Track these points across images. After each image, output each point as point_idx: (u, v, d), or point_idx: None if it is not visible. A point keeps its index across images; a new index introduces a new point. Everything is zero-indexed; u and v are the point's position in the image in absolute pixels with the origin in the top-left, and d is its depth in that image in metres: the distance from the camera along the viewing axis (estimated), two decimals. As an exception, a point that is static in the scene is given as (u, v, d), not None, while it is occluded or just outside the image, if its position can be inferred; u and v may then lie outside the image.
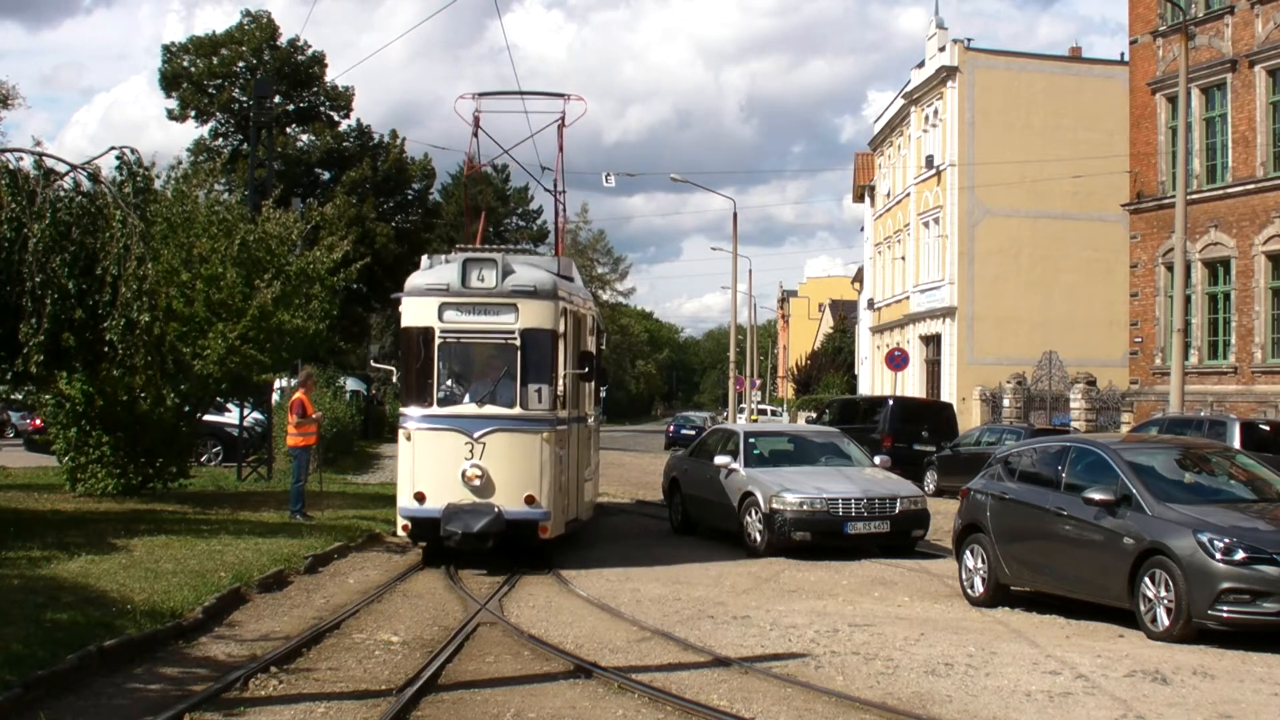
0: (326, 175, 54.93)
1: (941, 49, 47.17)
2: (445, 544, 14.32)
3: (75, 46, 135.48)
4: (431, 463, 14.56)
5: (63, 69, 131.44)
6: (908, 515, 17.00)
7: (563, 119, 18.53)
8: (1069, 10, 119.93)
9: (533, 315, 14.79)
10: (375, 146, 56.21)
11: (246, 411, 27.60)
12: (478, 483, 14.40)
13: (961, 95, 45.79)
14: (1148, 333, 32.74)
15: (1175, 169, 30.19)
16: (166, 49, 53.54)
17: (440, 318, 14.82)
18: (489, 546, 14.38)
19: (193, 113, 53.14)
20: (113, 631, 9.06)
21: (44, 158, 15.08)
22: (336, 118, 55.75)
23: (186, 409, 20.94)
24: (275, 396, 28.59)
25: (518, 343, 14.76)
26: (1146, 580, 11.10)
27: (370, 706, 7.90)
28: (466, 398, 14.96)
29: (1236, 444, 19.26)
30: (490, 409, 14.69)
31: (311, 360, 32.68)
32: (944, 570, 15.33)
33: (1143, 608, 11.14)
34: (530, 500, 14.53)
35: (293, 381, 33.90)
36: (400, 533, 15.13)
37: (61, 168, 15.25)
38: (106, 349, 14.38)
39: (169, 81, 52.94)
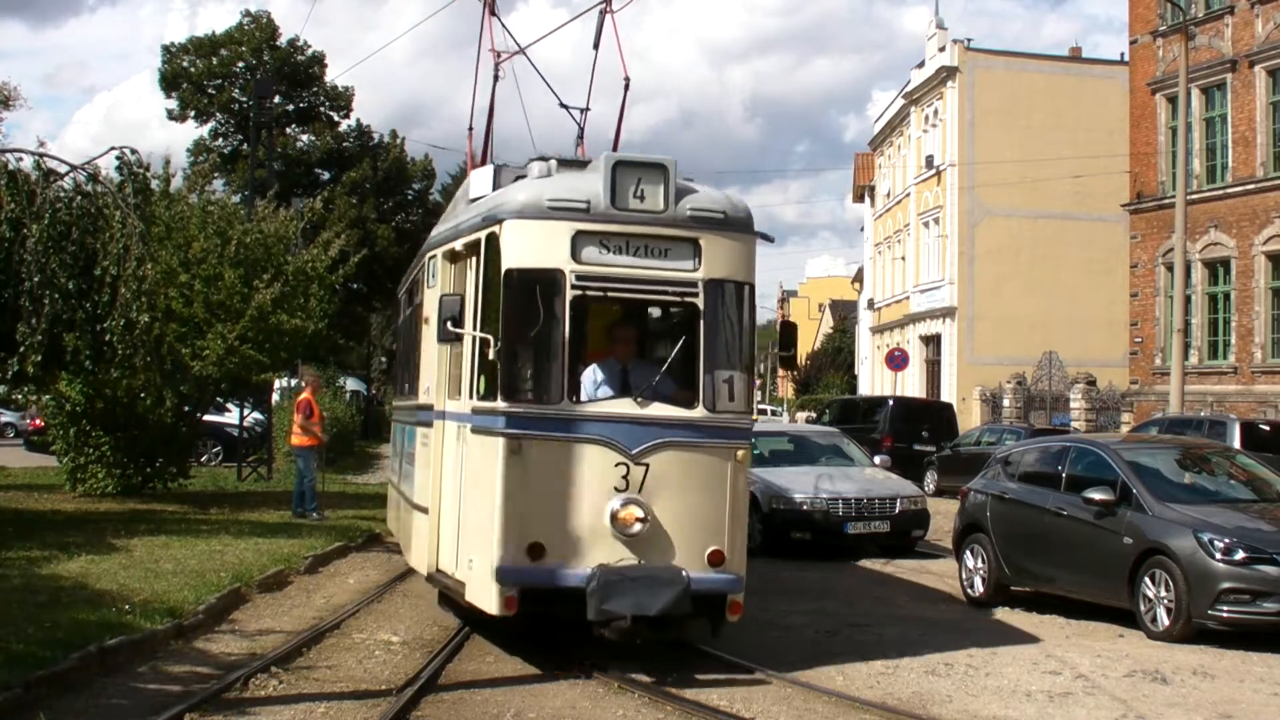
0: (326, 175, 54.90)
1: (941, 49, 47.19)
2: (596, 631, 8.98)
3: (78, 45, 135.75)
4: (556, 495, 8.97)
5: (65, 68, 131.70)
6: (908, 515, 16.99)
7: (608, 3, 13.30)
8: (1074, 9, 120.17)
9: (722, 258, 9.38)
10: (375, 147, 56.19)
11: (246, 411, 27.59)
12: (637, 529, 8.87)
13: (961, 95, 45.81)
14: (1148, 333, 32.75)
15: (1175, 169, 30.19)
16: (166, 49, 53.50)
17: (575, 256, 9.08)
18: (671, 638, 9.56)
19: (192, 113, 53.10)
20: (113, 631, 9.05)
21: (44, 158, 15.08)
22: (336, 118, 55.71)
23: (186, 409, 20.95)
24: (275, 397, 28.60)
25: (699, 302, 9.28)
26: (1146, 580, 11.10)
27: (370, 706, 7.90)
28: (605, 389, 9.54)
29: (1236, 444, 19.26)
30: (658, 409, 9.16)
31: (312, 360, 32.71)
32: (944, 570, 15.33)
33: (1143, 608, 11.14)
34: (716, 559, 9.12)
35: (293, 381, 34.04)
36: (483, 604, 9.16)
37: (61, 168, 15.24)
38: (106, 350, 14.37)
39: (169, 82, 52.89)
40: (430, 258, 11.37)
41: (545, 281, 9.14)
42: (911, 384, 48.13)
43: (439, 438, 10.49)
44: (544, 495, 8.97)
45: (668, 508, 9.02)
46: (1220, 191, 29.89)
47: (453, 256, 10.63)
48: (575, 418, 9.07)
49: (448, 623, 10.95)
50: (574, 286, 9.11)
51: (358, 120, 57.03)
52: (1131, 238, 33.75)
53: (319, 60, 54.37)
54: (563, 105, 12.99)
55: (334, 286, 22.28)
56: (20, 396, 22.50)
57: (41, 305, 13.82)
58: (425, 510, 10.76)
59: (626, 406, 9.15)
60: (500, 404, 9.03)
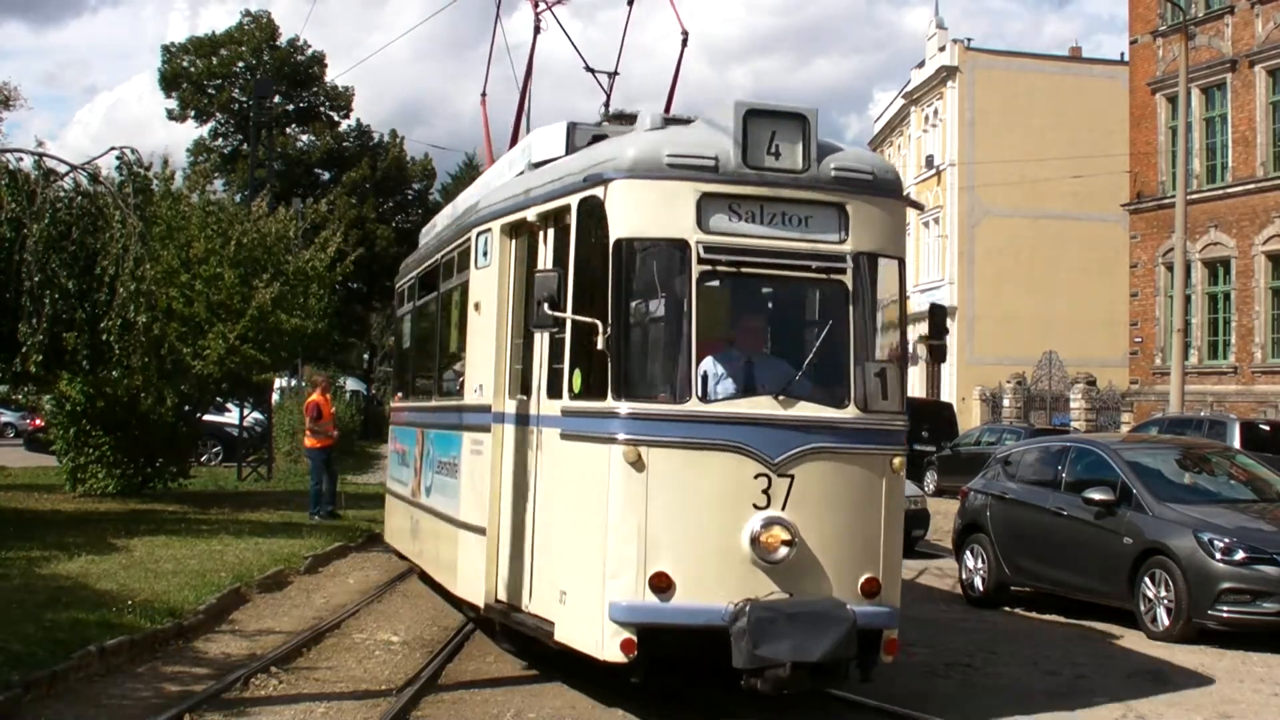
0: (326, 175, 54.94)
1: (941, 49, 47.20)
2: (746, 682, 7.34)
3: (78, 45, 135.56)
4: (684, 514, 7.47)
5: (66, 67, 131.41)
6: (908, 515, 16.88)
7: None
8: (1075, 8, 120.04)
9: (872, 227, 7.97)
10: (375, 146, 56.26)
11: (246, 411, 27.60)
12: (782, 554, 7.36)
13: (961, 95, 45.82)
14: (1148, 333, 32.75)
15: (1175, 169, 30.20)
16: (166, 49, 53.59)
17: (701, 223, 7.59)
18: (833, 687, 8.16)
19: (192, 113, 53.17)
20: (113, 631, 9.04)
21: (44, 158, 15.09)
22: (336, 118, 55.79)
23: (186, 409, 20.95)
24: (275, 397, 28.61)
25: (848, 280, 7.82)
26: (1146, 580, 11.10)
27: (370, 706, 7.90)
28: (726, 385, 7.88)
29: (1236, 444, 19.26)
30: (804, 410, 7.67)
31: (312, 360, 32.73)
32: (944, 570, 15.33)
33: (1143, 608, 11.14)
34: (870, 589, 7.70)
35: (293, 381, 34.07)
36: (586, 647, 7.67)
37: (61, 168, 15.27)
38: (104, 349, 14.37)
39: (169, 82, 52.96)
40: (481, 233, 9.63)
41: (666, 254, 7.70)
42: (911, 384, 48.13)
43: (498, 445, 8.96)
44: (669, 514, 7.40)
45: (815, 528, 7.49)
46: (1220, 191, 29.90)
47: (516, 230, 9.03)
48: (706, 419, 7.49)
49: (448, 622, 10.95)
50: (702, 260, 7.54)
51: (358, 120, 57.17)
52: (1131, 238, 33.75)
53: (319, 60, 54.46)
54: (589, 69, 11.91)
55: (334, 286, 22.28)
56: (22, 396, 22.52)
57: (42, 305, 13.83)
58: (478, 530, 9.13)
59: (766, 406, 7.58)
60: (614, 403, 7.47)
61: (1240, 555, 10.58)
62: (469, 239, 10.01)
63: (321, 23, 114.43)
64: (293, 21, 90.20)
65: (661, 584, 7.35)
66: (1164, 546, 10.97)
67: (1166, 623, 10.85)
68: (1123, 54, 39.10)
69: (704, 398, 7.61)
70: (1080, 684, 9.10)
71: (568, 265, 7.95)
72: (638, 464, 7.39)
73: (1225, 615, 10.55)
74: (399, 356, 15.57)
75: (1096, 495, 11.71)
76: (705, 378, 7.70)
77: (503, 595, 8.84)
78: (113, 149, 16.01)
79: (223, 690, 8.06)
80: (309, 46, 54.38)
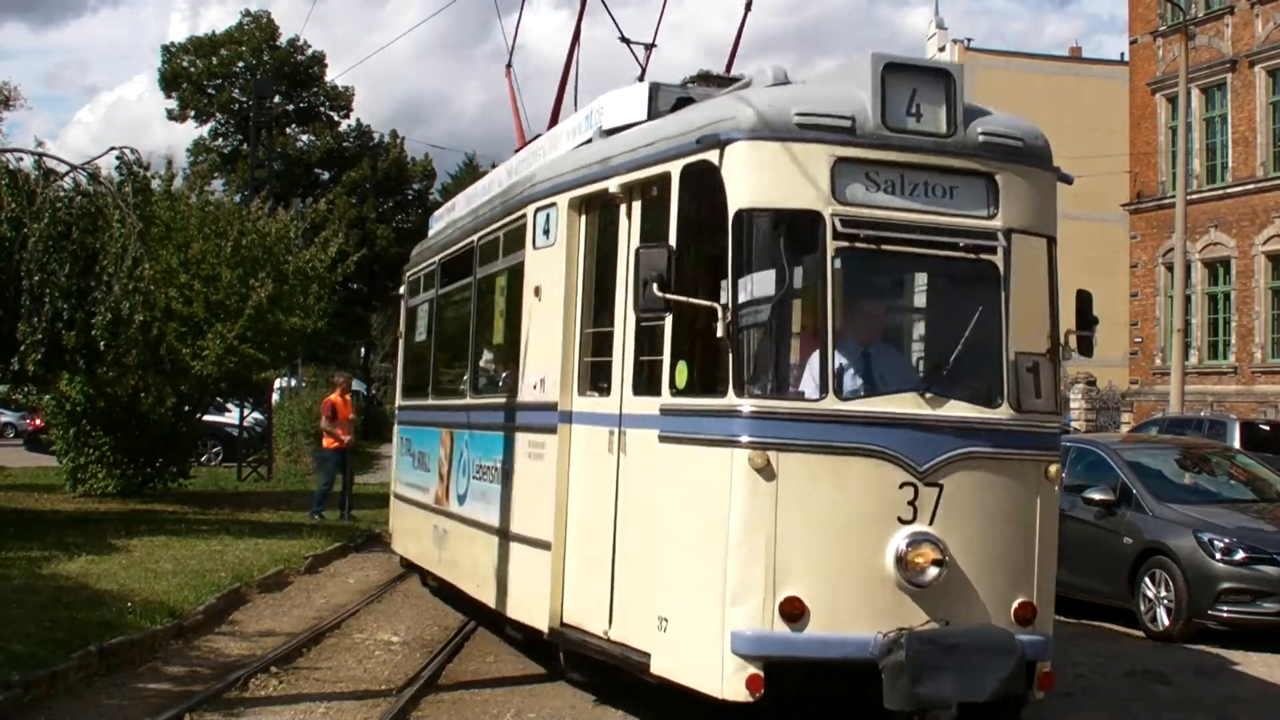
0: (326, 175, 54.94)
1: (941, 49, 47.20)
2: None
3: (79, 45, 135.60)
4: (819, 529, 6.49)
5: (66, 67, 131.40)
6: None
7: None
8: (1076, 8, 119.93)
9: (1023, 201, 7.10)
10: (375, 146, 56.25)
11: (246, 411, 27.61)
12: (932, 575, 6.45)
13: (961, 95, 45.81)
14: (1148, 333, 32.77)
15: (1175, 169, 30.22)
16: (166, 49, 53.58)
17: (837, 193, 6.62)
18: None
19: (192, 113, 53.17)
20: (113, 631, 9.04)
21: (44, 158, 15.10)
22: (336, 118, 55.78)
23: (186, 409, 20.95)
24: (275, 397, 28.62)
25: (999, 261, 6.88)
26: (1146, 580, 11.11)
27: (370, 706, 7.89)
28: (854, 379, 6.81)
29: (1236, 444, 19.26)
30: (954, 409, 6.73)
31: (312, 360, 32.74)
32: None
33: (1143, 607, 11.14)
34: (1024, 615, 6.91)
35: (293, 382, 34.07)
36: (700, 684, 6.68)
37: (61, 168, 15.27)
38: (99, 347, 14.38)
39: (168, 82, 52.95)
40: (541, 209, 8.60)
41: (796, 228, 6.65)
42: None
43: (566, 447, 7.97)
44: (802, 529, 6.40)
45: (966, 545, 6.54)
46: (1220, 191, 29.91)
47: (589, 204, 8.06)
48: (845, 419, 6.48)
49: (448, 622, 10.95)
50: (838, 235, 6.52)
51: (358, 120, 57.17)
52: (1131, 238, 33.77)
53: (319, 60, 54.46)
54: (624, 39, 11.04)
55: (334, 286, 22.30)
56: (22, 396, 22.53)
57: (41, 304, 13.83)
58: (538, 544, 8.19)
59: (911, 405, 6.61)
60: (736, 400, 6.47)
61: (1240, 555, 10.58)
62: (522, 216, 8.95)
63: (322, 23, 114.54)
64: (293, 21, 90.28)
65: (793, 611, 6.35)
66: (1164, 546, 10.97)
67: (1166, 622, 10.85)
68: (1123, 54, 39.13)
69: (842, 392, 6.56)
70: (1079, 683, 9.09)
71: (666, 242, 6.93)
72: (766, 471, 6.38)
73: (1225, 615, 10.55)
74: (410, 351, 13.94)
75: (1096, 495, 11.71)
76: (821, 372, 6.62)
77: (573, 618, 7.84)
78: (112, 149, 16.00)
79: (223, 690, 8.05)
80: (309, 46, 54.40)
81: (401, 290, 14.61)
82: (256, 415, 28.97)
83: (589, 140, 8.60)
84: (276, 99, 47.35)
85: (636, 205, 7.54)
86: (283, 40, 53.66)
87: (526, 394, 8.68)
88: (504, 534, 8.99)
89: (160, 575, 11.86)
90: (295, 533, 16.04)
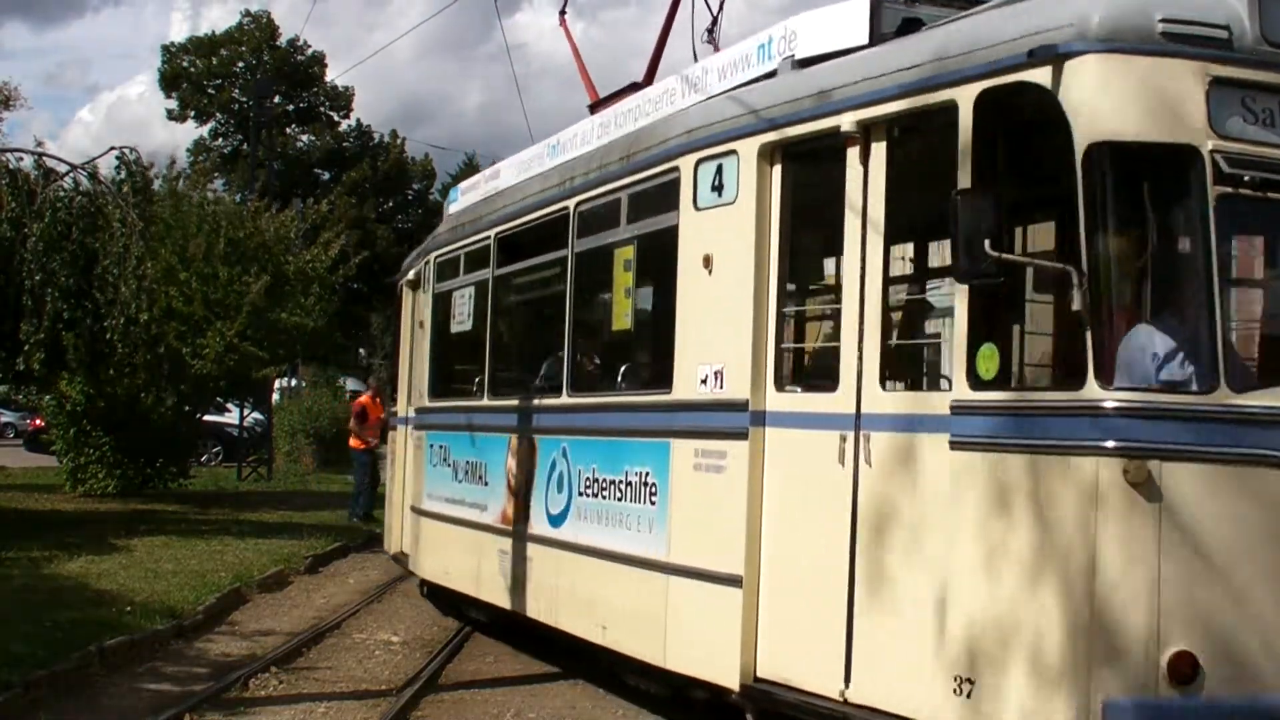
0: (326, 175, 54.98)
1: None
2: None
3: (79, 44, 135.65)
4: (1216, 565, 5.00)
5: (67, 67, 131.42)
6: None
7: None
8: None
9: None
10: (375, 147, 56.28)
11: (246, 411, 27.63)
12: None
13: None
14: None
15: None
16: (166, 49, 53.68)
17: (1215, 123, 5.12)
18: None
19: (192, 113, 53.23)
20: (113, 631, 9.05)
21: (44, 157, 15.12)
22: (336, 118, 55.82)
23: (186, 409, 20.97)
24: (275, 397, 28.65)
25: None
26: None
27: (370, 706, 7.89)
28: (1176, 366, 5.20)
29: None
30: None
31: (312, 360, 32.75)
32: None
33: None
34: None
35: (293, 382, 34.09)
36: None
37: (61, 168, 15.30)
38: (107, 349, 14.40)
39: (169, 82, 53.03)
40: (706, 160, 6.92)
41: (1168, 168, 5.15)
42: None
43: (758, 456, 6.43)
44: (1194, 563, 4.96)
45: None
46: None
47: (788, 151, 6.48)
48: (1245, 418, 5.02)
49: (448, 623, 10.95)
50: (1222, 179, 5.05)
51: (358, 120, 57.20)
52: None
53: (319, 60, 54.52)
54: None
55: (334, 286, 22.34)
56: (22, 396, 22.56)
57: (43, 304, 13.86)
58: (720, 579, 6.56)
59: None
60: (1100, 393, 4.99)
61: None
62: (671, 171, 7.25)
63: (322, 23, 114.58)
64: (293, 21, 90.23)
65: (1185, 671, 4.88)
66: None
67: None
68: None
69: (1235, 382, 5.05)
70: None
71: (950, 188, 5.35)
72: (1146, 487, 4.87)
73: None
74: (439, 345, 11.60)
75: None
76: (1141, 354, 5.13)
77: (774, 673, 6.32)
78: (113, 149, 16.03)
79: (223, 690, 8.05)
80: (309, 46, 54.46)
81: (409, 278, 12.70)
82: (256, 415, 28.98)
83: (769, 74, 6.96)
84: (276, 99, 47.37)
85: (878, 148, 5.91)
86: (283, 40, 53.73)
87: (688, 391, 6.97)
88: (653, 565, 7.18)
89: (160, 575, 11.86)
90: (295, 533, 16.05)
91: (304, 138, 55.03)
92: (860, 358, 5.89)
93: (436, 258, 11.67)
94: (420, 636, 10.47)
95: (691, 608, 6.84)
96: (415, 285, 12.46)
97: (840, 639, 5.89)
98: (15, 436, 40.64)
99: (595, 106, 9.75)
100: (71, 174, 15.29)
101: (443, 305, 11.48)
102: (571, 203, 8.64)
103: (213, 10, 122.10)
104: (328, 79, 54.34)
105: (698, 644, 6.76)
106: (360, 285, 47.76)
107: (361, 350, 56.69)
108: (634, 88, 9.05)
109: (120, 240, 14.17)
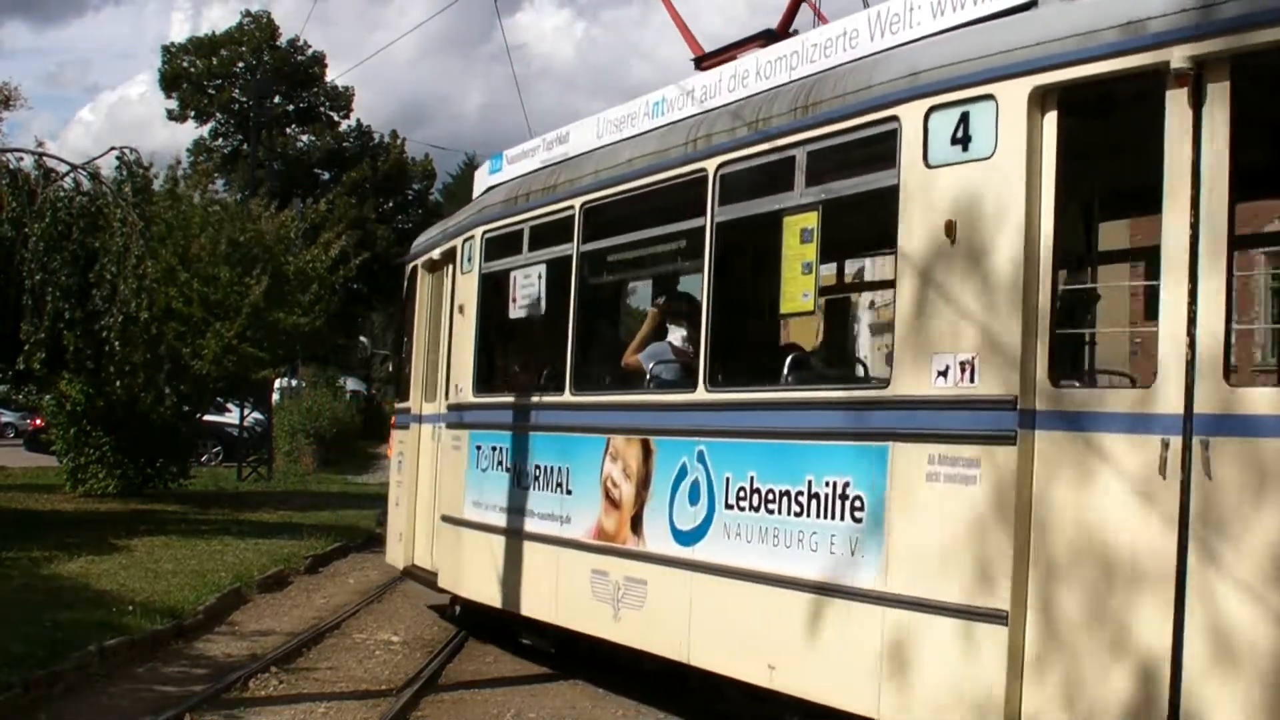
0: (326, 175, 54.96)
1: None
2: None
3: (80, 44, 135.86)
4: None
5: (67, 67, 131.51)
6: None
7: None
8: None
9: None
10: (375, 147, 56.26)
11: (246, 411, 27.64)
12: None
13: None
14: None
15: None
16: (166, 49, 53.63)
17: None
18: None
19: (192, 113, 53.21)
20: (113, 631, 9.05)
21: (44, 157, 15.13)
22: (336, 118, 55.80)
23: (186, 409, 20.97)
24: (275, 397, 28.65)
25: None
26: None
27: (370, 706, 7.89)
28: None
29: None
30: None
31: (312, 360, 32.77)
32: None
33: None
34: None
35: (293, 382, 34.07)
36: None
37: (62, 168, 15.31)
38: (106, 348, 14.40)
39: (169, 82, 52.99)
40: (943, 107, 5.72)
41: None
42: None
43: (1025, 465, 5.27)
44: None
45: None
46: (1221, 191, 29.96)
47: (1066, 96, 5.33)
48: None
49: (447, 623, 10.94)
50: None
51: (358, 120, 57.15)
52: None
53: (319, 60, 54.48)
54: None
55: (334, 287, 22.35)
56: (23, 396, 22.57)
57: (43, 304, 13.87)
58: (972, 614, 5.35)
59: None
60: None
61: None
62: (888, 120, 6.01)
63: (322, 23, 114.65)
64: (293, 21, 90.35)
65: None
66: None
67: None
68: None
69: None
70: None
71: None
72: None
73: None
74: (490, 334, 10.15)
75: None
76: None
77: None
78: (113, 149, 16.04)
79: (223, 690, 8.05)
80: (309, 47, 54.40)
81: (432, 257, 11.31)
82: (256, 415, 29.01)
83: (1021, 7, 5.82)
84: (276, 99, 47.37)
85: (1217, 89, 4.78)
86: (283, 40, 53.68)
87: (917, 385, 5.75)
88: (859, 595, 5.92)
89: (160, 575, 11.86)
90: (295, 533, 16.05)
91: (304, 138, 54.99)
92: (1191, 345, 4.76)
93: (485, 233, 10.02)
94: (420, 636, 10.47)
95: (922, 647, 5.55)
96: (438, 266, 11.16)
97: (1158, 687, 4.68)
98: (15, 436, 40.67)
99: (703, 61, 8.78)
100: (72, 174, 15.31)
101: (495, 287, 9.94)
102: (711, 164, 7.31)
103: (213, 10, 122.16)
104: (328, 79, 54.33)
105: (935, 690, 5.47)
106: (360, 285, 47.79)
107: (363, 339, 56.61)
108: (767, 35, 8.16)
109: (120, 240, 14.18)
